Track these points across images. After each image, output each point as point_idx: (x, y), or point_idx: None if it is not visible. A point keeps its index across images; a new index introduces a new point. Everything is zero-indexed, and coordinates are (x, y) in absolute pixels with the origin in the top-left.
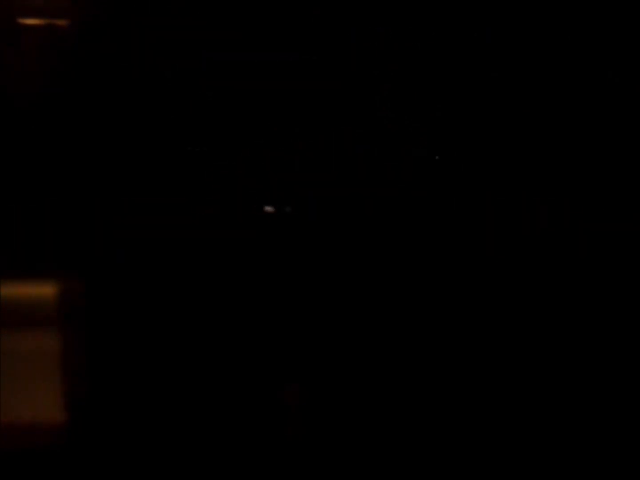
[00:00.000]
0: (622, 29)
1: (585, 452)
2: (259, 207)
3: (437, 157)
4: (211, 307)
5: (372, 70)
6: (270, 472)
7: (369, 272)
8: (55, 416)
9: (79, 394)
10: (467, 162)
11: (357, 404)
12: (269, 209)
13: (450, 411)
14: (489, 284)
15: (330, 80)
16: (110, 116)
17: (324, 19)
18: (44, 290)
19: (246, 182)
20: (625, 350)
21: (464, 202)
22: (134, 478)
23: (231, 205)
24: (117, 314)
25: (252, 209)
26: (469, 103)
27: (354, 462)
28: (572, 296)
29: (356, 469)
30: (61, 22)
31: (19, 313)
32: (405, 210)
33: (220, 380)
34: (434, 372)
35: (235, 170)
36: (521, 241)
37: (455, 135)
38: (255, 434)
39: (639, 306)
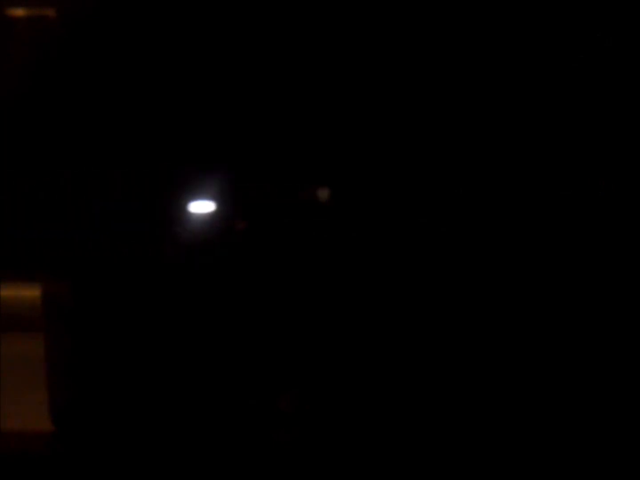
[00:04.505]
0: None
1: (586, 453)
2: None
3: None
4: (206, 311)
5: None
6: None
7: (367, 276)
8: (44, 422)
9: (68, 399)
10: (466, 162)
11: (353, 410)
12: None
13: (448, 418)
14: (488, 283)
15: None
16: (99, 109)
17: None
18: (30, 294)
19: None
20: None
21: (464, 202)
22: None
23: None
24: (107, 318)
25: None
26: (469, 103)
27: (350, 468)
28: (570, 295)
29: (351, 474)
30: (49, 13)
31: (6, 317)
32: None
33: (214, 385)
34: (432, 377)
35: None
36: (521, 240)
37: (455, 135)
38: (252, 441)
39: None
